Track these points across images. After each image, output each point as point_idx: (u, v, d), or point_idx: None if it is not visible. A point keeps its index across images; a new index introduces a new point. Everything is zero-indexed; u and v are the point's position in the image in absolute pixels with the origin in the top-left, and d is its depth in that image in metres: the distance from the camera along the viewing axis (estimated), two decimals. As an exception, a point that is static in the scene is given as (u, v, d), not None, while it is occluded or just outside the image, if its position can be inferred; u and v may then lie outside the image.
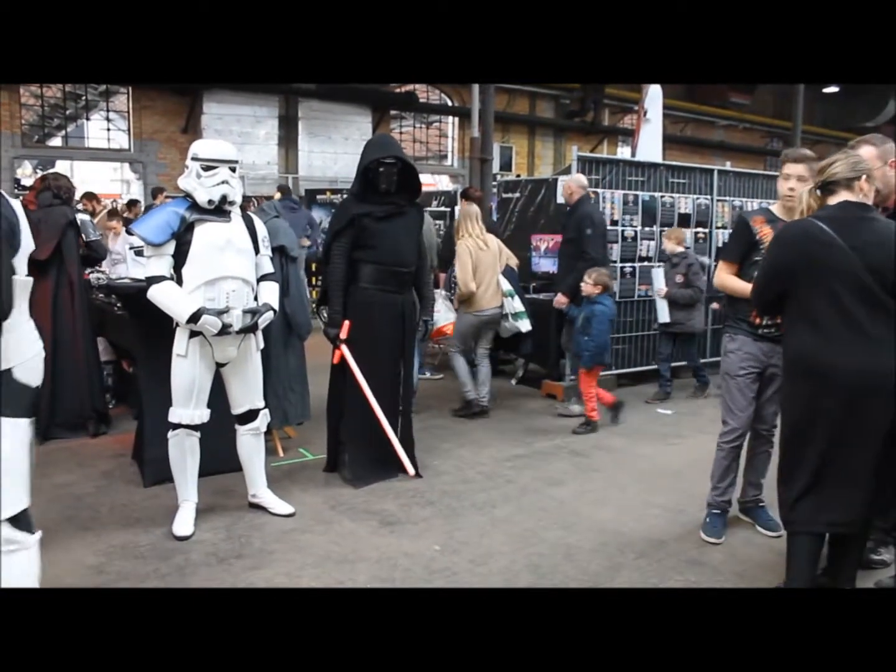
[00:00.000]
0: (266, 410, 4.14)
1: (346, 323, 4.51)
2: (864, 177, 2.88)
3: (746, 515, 4.13)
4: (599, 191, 7.07)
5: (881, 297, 2.75)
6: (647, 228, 7.43)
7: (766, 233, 3.76)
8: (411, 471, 4.57)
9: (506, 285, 6.10)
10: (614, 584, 3.41)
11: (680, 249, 6.82)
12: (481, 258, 5.96)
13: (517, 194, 8.21)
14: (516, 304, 6.14)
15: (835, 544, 3.11)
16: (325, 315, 4.66)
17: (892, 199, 3.42)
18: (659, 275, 6.88)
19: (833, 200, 2.89)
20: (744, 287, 3.66)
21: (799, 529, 2.98)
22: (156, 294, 3.71)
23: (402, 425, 4.80)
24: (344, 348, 4.48)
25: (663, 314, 6.78)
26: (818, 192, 2.98)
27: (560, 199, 7.25)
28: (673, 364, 7.08)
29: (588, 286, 5.65)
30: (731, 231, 5.37)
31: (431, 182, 17.64)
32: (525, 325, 6.14)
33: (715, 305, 7.25)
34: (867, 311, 2.75)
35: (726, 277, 3.86)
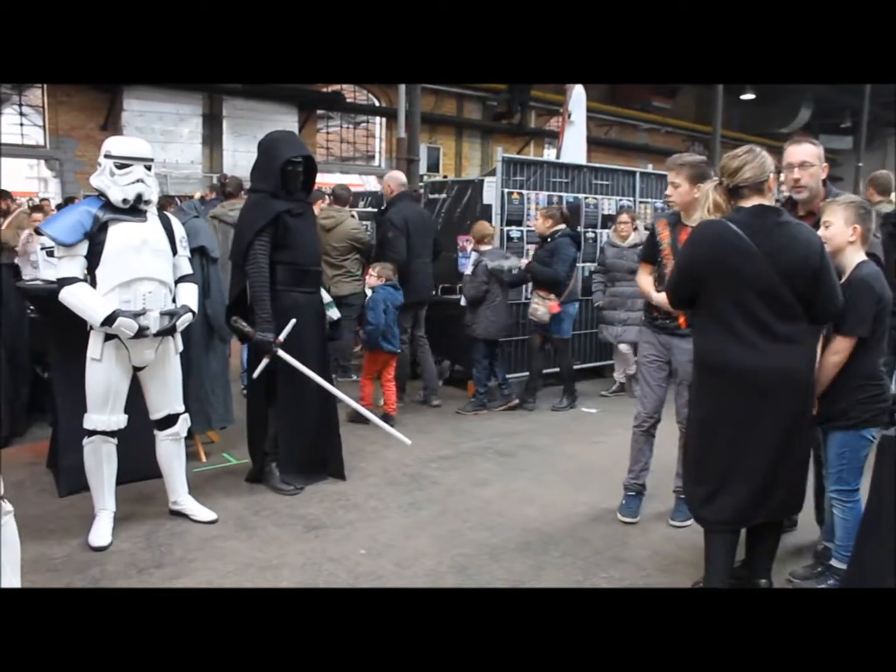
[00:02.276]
0: (186, 415, 4.04)
1: (293, 321, 4.30)
2: (771, 176, 2.93)
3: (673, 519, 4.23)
4: (524, 192, 7.13)
5: (790, 300, 2.81)
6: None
7: (665, 235, 4.00)
8: (406, 440, 4.39)
9: None
10: (539, 583, 3.43)
11: (486, 248, 6.43)
12: None
13: (444, 195, 8.21)
14: (325, 295, 6.39)
15: (751, 536, 3.19)
16: (242, 323, 4.33)
17: (818, 204, 3.45)
18: (465, 264, 6.84)
19: (745, 203, 2.91)
20: (647, 289, 4.01)
21: (712, 528, 3.04)
22: (68, 296, 3.58)
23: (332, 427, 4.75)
24: (282, 353, 4.28)
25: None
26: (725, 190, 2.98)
27: (486, 200, 7.30)
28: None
29: (372, 278, 6.00)
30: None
31: (359, 182, 17.55)
32: (335, 314, 6.36)
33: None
34: (775, 314, 2.82)
35: (642, 278, 4.10)
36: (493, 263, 6.32)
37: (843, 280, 3.10)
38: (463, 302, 6.64)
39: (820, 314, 2.92)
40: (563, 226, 6.40)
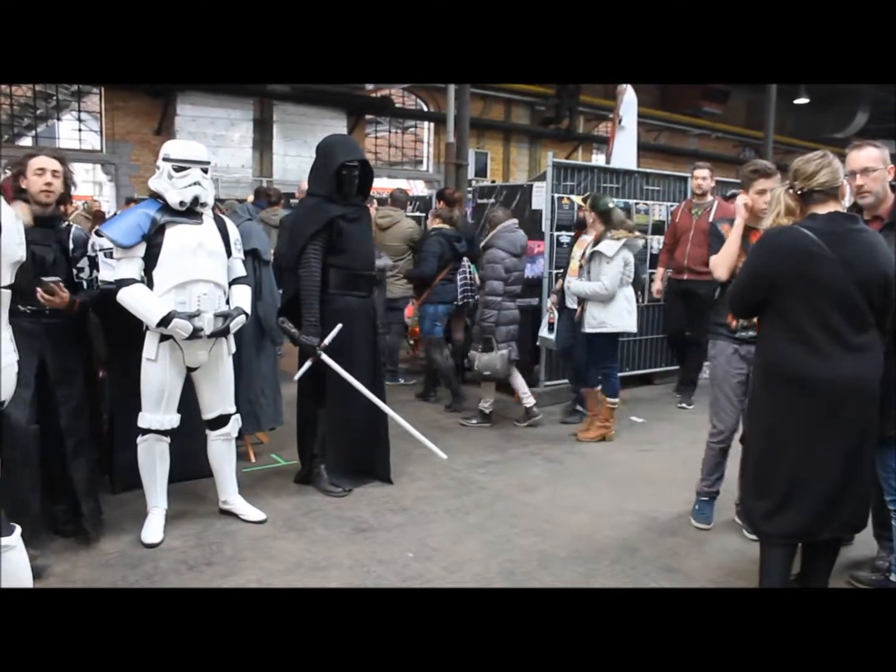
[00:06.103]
0: (237, 415, 4.09)
1: (338, 326, 4.31)
2: (844, 182, 2.87)
3: (739, 517, 4.12)
4: (574, 197, 7.08)
5: (864, 309, 2.74)
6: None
7: None
8: (442, 455, 4.39)
9: None
10: (588, 591, 3.39)
11: None
12: None
13: (492, 200, 8.19)
14: None
15: (809, 550, 3.11)
16: (289, 325, 4.36)
17: (886, 208, 3.33)
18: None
19: (819, 208, 2.83)
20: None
21: (777, 542, 2.96)
22: (125, 297, 3.64)
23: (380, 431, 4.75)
24: (326, 357, 4.30)
25: None
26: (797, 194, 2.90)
27: (535, 205, 7.26)
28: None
29: None
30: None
31: (407, 187, 17.63)
32: None
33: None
34: (849, 323, 2.74)
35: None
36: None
37: None
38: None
39: (890, 324, 2.85)
40: (443, 225, 6.45)
